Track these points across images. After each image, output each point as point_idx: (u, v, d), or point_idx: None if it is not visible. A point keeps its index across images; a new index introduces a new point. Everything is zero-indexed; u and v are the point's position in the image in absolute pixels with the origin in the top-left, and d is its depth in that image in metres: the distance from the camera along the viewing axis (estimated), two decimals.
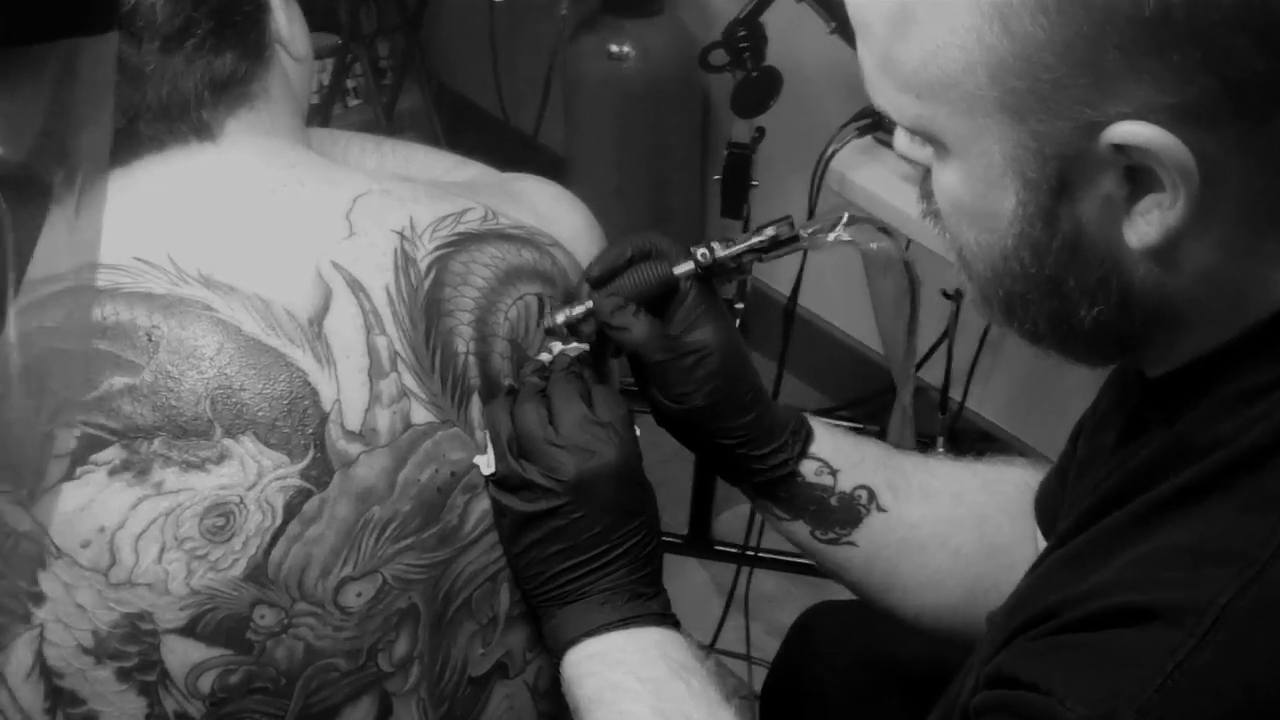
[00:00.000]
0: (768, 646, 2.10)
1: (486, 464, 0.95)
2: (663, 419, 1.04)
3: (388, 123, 2.98)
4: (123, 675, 0.90)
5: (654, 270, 1.02)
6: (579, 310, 1.01)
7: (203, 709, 0.91)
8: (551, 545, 0.94)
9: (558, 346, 1.01)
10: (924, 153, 0.77)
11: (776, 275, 2.60)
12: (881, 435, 2.01)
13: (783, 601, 2.28)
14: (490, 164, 1.23)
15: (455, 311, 0.97)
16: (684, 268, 1.03)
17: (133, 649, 0.90)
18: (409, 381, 0.94)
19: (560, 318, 1.01)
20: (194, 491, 0.89)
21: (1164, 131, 0.66)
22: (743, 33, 2.01)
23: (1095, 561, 0.73)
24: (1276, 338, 0.72)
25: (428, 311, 0.96)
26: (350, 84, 3.09)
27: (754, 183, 2.19)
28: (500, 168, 1.22)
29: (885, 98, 0.75)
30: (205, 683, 0.91)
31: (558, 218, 1.09)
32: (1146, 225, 0.69)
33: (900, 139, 0.79)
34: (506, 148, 2.97)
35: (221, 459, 0.90)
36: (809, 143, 1.99)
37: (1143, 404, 0.82)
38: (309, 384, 0.92)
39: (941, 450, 2.05)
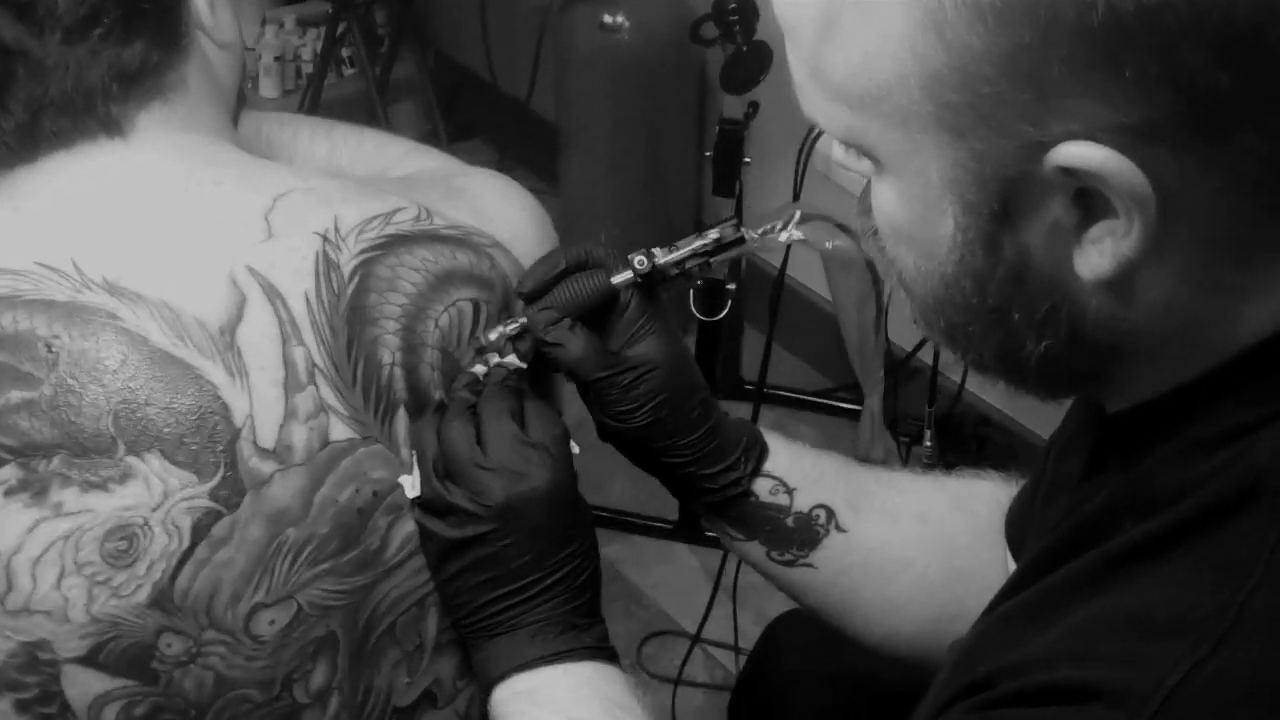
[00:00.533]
0: (755, 636, 2.05)
1: (411, 485, 0.90)
2: (607, 436, 0.99)
3: (382, 93, 2.91)
4: (21, 708, 0.85)
5: (590, 281, 0.96)
6: (512, 326, 0.95)
7: None
8: (479, 574, 0.88)
9: (494, 359, 0.95)
10: (862, 165, 0.71)
11: (774, 252, 2.53)
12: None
13: (772, 591, 2.21)
14: (485, 132, 1.16)
15: (380, 320, 0.91)
16: (622, 277, 0.96)
17: (31, 679, 0.85)
18: (327, 395, 0.89)
19: (493, 335, 0.95)
20: (95, 513, 0.84)
21: (1115, 153, 0.59)
22: (733, 5, 1.95)
23: (1040, 623, 0.67)
24: (1242, 379, 0.65)
25: (350, 320, 0.90)
26: (345, 53, 3.03)
27: (746, 159, 2.12)
28: (494, 136, 1.15)
29: (815, 107, 0.69)
30: (109, 715, 0.86)
31: (500, 216, 1.03)
32: (1098, 255, 0.63)
33: (837, 149, 0.73)
34: (500, 116, 2.91)
35: (125, 478, 0.84)
36: (804, 120, 1.92)
37: (1103, 438, 0.76)
38: (219, 398, 0.86)
39: (929, 443, 1.98)
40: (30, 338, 0.84)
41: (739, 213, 2.18)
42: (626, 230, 2.48)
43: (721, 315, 2.13)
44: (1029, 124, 0.60)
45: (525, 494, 0.87)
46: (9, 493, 0.83)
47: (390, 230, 0.94)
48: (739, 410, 2.55)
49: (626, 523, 2.33)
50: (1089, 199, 0.62)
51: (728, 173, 2.12)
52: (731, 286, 2.18)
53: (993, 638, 0.73)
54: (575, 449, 0.93)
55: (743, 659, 2.14)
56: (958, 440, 2.21)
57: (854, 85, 0.65)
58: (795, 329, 2.39)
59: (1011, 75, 0.60)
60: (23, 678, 0.84)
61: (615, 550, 2.31)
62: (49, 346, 0.84)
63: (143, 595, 0.85)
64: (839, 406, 2.54)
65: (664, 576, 2.34)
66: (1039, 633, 0.66)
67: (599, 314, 0.96)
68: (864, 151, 0.68)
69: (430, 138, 2.81)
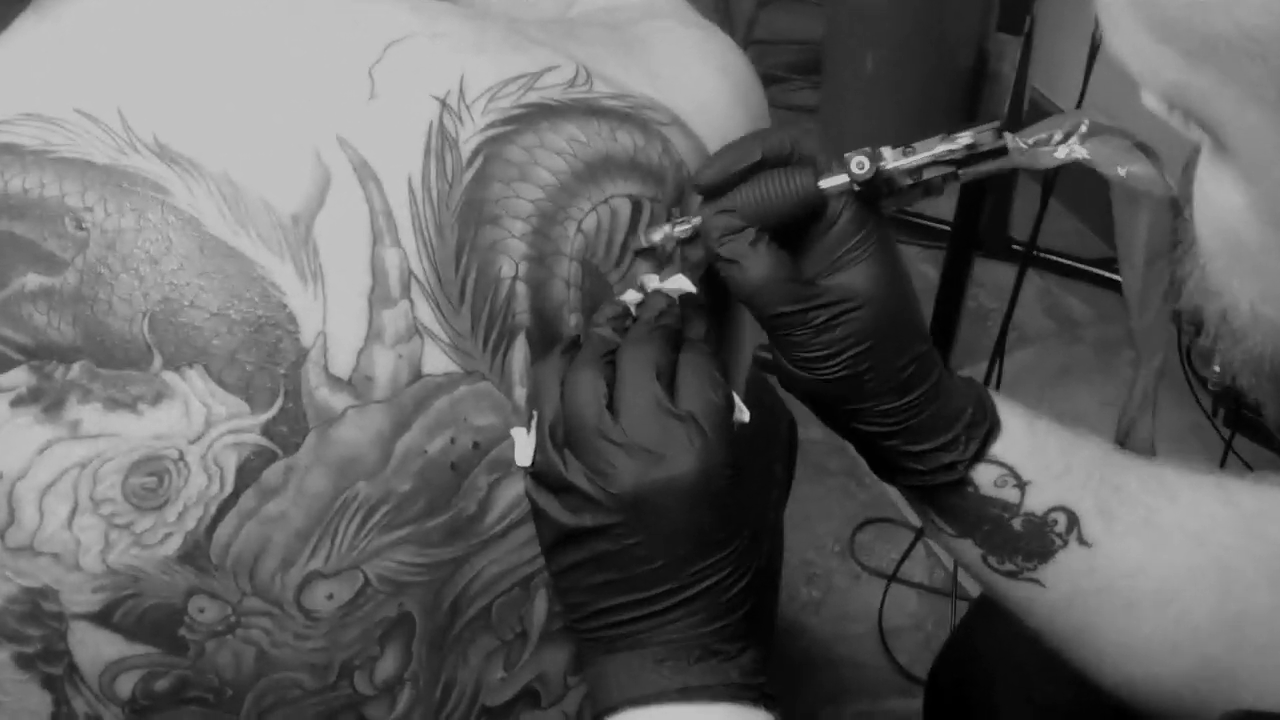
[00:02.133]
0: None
1: (523, 448, 0.69)
2: (790, 386, 0.76)
3: None
4: (23, 662, 0.68)
5: (791, 182, 0.72)
6: (683, 227, 0.73)
7: (122, 716, 0.70)
8: (598, 573, 0.67)
9: (653, 282, 0.73)
10: (1191, 133, 0.46)
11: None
12: None
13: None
14: None
15: (504, 218, 0.70)
16: (834, 181, 0.72)
17: (35, 632, 0.68)
18: (425, 314, 0.68)
19: (656, 235, 0.73)
20: (119, 438, 0.66)
21: None
22: None
23: None
24: None
25: (464, 217, 0.69)
26: None
27: None
28: None
29: (1131, 46, 0.44)
30: (124, 685, 0.69)
31: (686, 80, 0.80)
32: None
33: (1151, 100, 0.47)
34: None
35: (159, 398, 0.66)
36: None
37: None
38: (285, 306, 0.67)
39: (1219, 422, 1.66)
40: (58, 207, 0.66)
41: (1024, 56, 1.87)
42: (894, 69, 2.20)
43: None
44: None
45: (661, 483, 0.65)
46: (17, 402, 0.65)
47: (533, 97, 0.72)
48: (1001, 274, 2.27)
49: None
50: None
51: (1018, 3, 1.82)
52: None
53: None
54: (744, 416, 0.70)
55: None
56: (1256, 424, 1.88)
57: (1202, 23, 0.40)
58: (1077, 185, 2.07)
59: None
60: (24, 629, 0.68)
61: None
62: (79, 222, 0.66)
63: (171, 547, 0.67)
64: (1120, 280, 2.21)
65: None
66: None
67: (798, 226, 0.74)
68: (1201, 122, 0.44)
69: None
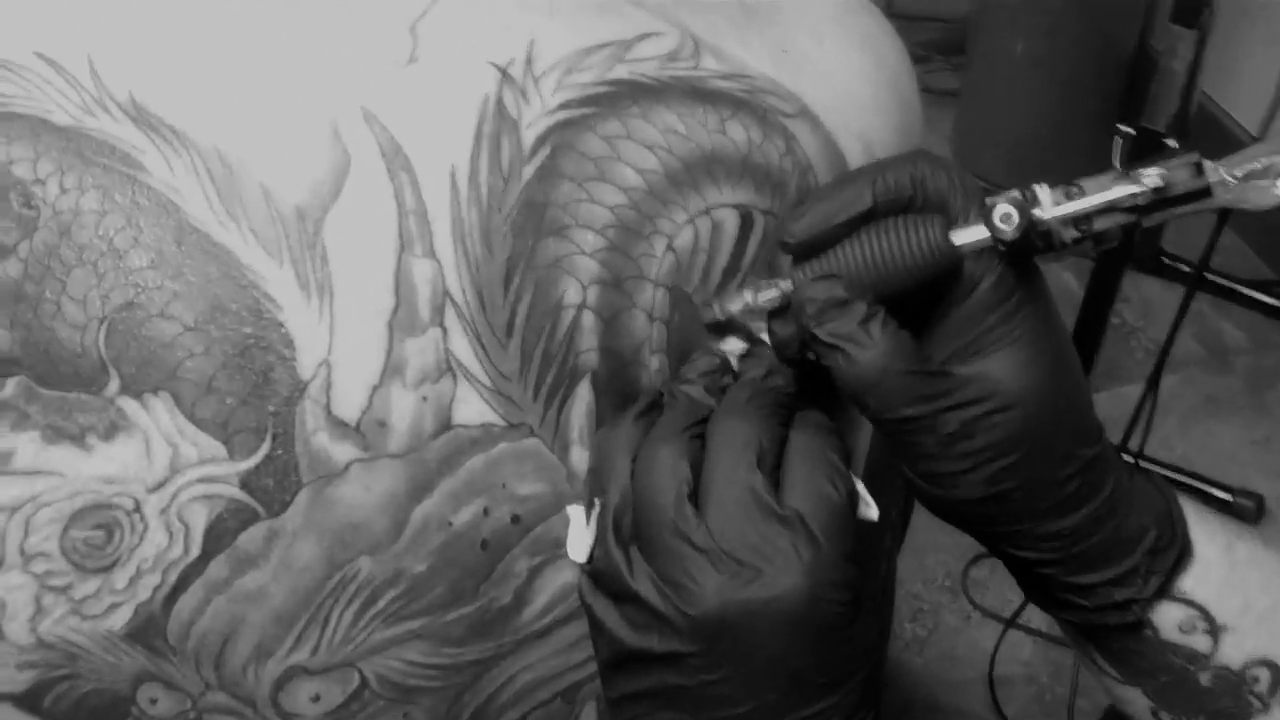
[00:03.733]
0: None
1: (580, 538, 0.53)
2: (921, 498, 0.59)
3: None
4: None
5: (915, 236, 0.53)
6: (769, 295, 0.55)
7: None
8: (665, 710, 0.51)
9: (761, 328, 0.56)
10: None
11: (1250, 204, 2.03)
12: None
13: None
14: None
15: (573, 228, 0.54)
16: (974, 234, 0.53)
17: None
18: (460, 347, 0.53)
19: (734, 304, 0.56)
20: (60, 479, 0.51)
21: None
22: None
23: None
24: None
25: (521, 222, 0.53)
26: None
27: None
28: None
29: None
30: None
31: (822, 61, 0.63)
32: None
33: None
34: None
35: (113, 431, 0.51)
36: None
37: None
38: (280, 325, 0.51)
39: None
40: (3, 178, 0.51)
41: (1198, 54, 1.65)
42: (1046, 55, 1.99)
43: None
44: None
45: (754, 606, 0.48)
46: None
47: (621, 72, 0.56)
48: (1146, 287, 2.03)
49: None
50: None
51: None
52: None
53: None
54: (870, 513, 0.54)
55: None
56: None
57: None
58: None
59: None
60: None
61: None
62: (27, 198, 0.51)
63: (119, 620, 0.52)
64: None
65: None
66: None
67: (923, 296, 0.55)
68: None
69: None
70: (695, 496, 0.50)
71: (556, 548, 0.55)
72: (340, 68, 0.53)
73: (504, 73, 0.54)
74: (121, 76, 0.52)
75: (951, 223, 0.53)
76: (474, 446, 0.53)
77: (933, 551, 1.79)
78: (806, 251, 0.54)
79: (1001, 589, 1.75)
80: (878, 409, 0.53)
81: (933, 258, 0.53)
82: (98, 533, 0.51)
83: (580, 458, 0.55)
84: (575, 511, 0.53)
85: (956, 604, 1.75)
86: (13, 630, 0.52)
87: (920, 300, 0.54)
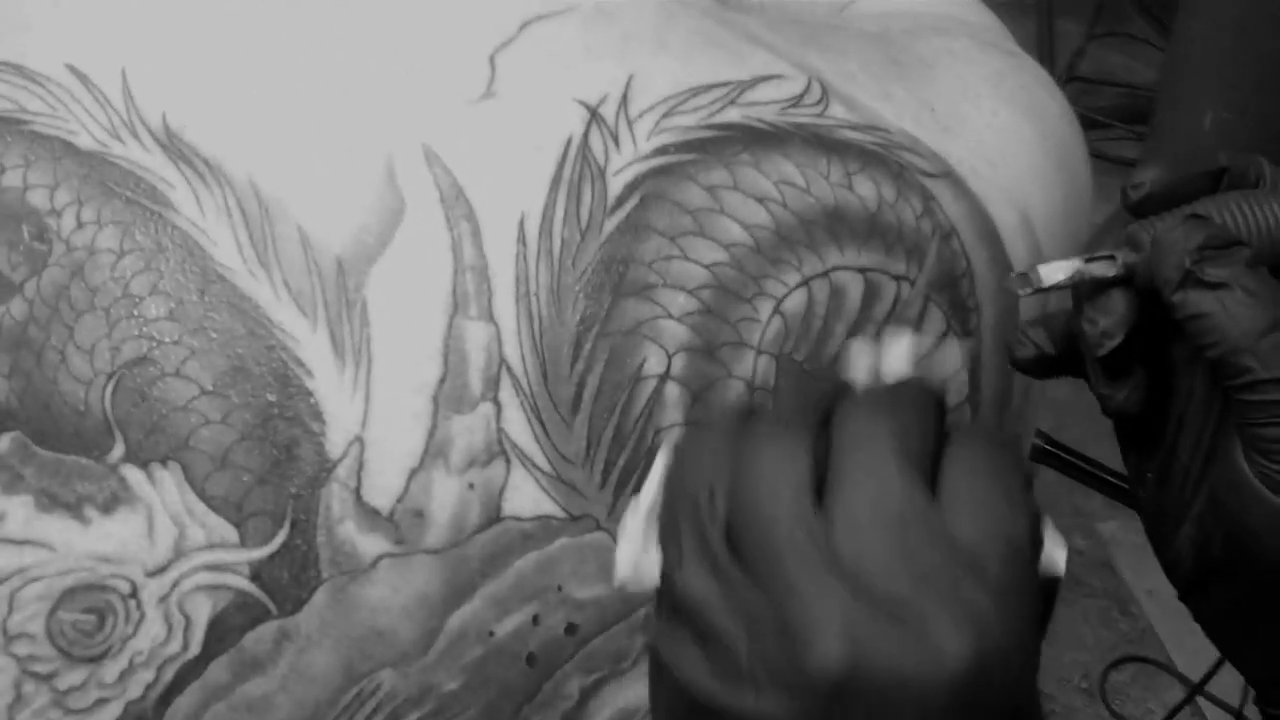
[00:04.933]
0: None
1: (635, 553, 0.41)
2: (1258, 512, 0.44)
3: None
4: None
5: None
6: (1107, 262, 0.45)
7: None
8: None
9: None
10: None
11: None
12: None
13: None
14: None
15: (660, 288, 0.46)
16: None
17: None
18: (516, 425, 0.45)
19: (1060, 272, 0.45)
20: (52, 552, 0.44)
21: None
22: None
23: None
24: None
25: (598, 280, 0.46)
26: None
27: None
28: None
29: None
30: None
31: (976, 122, 0.55)
32: None
33: None
34: None
35: (113, 504, 0.44)
36: None
37: None
38: (309, 395, 0.44)
39: None
40: (15, 206, 0.45)
41: None
42: (1235, 133, 1.87)
43: None
44: None
45: (899, 669, 0.36)
46: None
47: (732, 115, 0.49)
48: None
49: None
50: None
51: None
52: None
53: None
54: (1059, 562, 0.41)
55: None
56: None
57: None
58: None
59: None
60: None
61: (1113, 529, 1.76)
62: (40, 231, 0.45)
63: (106, 718, 0.45)
64: None
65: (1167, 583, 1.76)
66: None
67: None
68: None
69: None
70: (822, 497, 0.38)
71: (618, 661, 0.47)
72: (403, 99, 0.46)
73: (593, 112, 0.47)
74: (156, 96, 0.46)
75: None
76: (526, 542, 0.45)
77: (1071, 648, 1.66)
78: (1148, 207, 0.45)
79: (1144, 698, 1.61)
80: (1259, 370, 0.41)
81: None
82: (88, 617, 0.45)
83: (650, 497, 0.46)
84: (632, 519, 0.41)
85: (1092, 709, 1.62)
86: None
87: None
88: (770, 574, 0.37)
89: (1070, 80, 2.44)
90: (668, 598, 0.40)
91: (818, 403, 0.41)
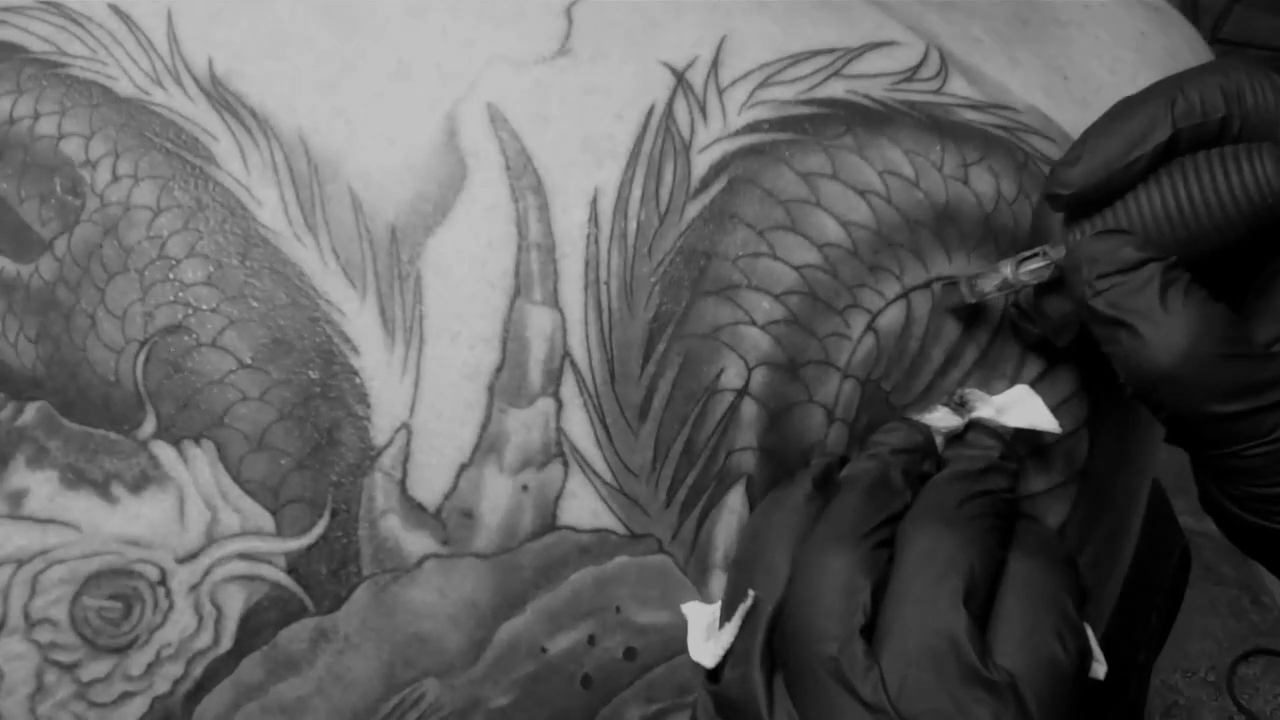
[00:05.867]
0: None
1: (706, 639, 0.41)
2: (1232, 533, 0.44)
3: None
4: None
5: (1235, 174, 0.39)
6: (1035, 266, 0.42)
7: None
8: None
9: (977, 399, 0.43)
10: None
11: None
12: None
13: None
14: None
15: (744, 289, 0.41)
16: None
17: None
18: (578, 426, 0.41)
19: (989, 282, 0.42)
20: (77, 533, 0.41)
21: None
22: None
23: None
24: None
25: (675, 273, 0.41)
26: None
27: None
28: None
29: None
30: None
31: (1116, 94, 0.49)
32: None
33: None
34: None
35: (143, 483, 0.41)
36: None
37: None
38: (354, 374, 0.40)
39: None
40: (48, 155, 0.42)
41: None
42: None
43: None
44: None
45: None
46: None
47: (836, 90, 0.43)
48: None
49: None
50: None
51: None
52: None
53: None
54: (1100, 672, 0.40)
55: None
56: None
57: None
58: None
59: None
60: None
61: None
62: (74, 183, 0.41)
63: (131, 714, 0.42)
64: None
65: None
66: None
67: (1245, 257, 0.42)
68: None
69: None
70: (872, 627, 0.37)
71: (682, 694, 0.42)
72: (468, 52, 0.41)
73: (680, 77, 0.42)
74: (202, 40, 0.42)
75: None
76: (583, 556, 0.41)
77: (1199, 638, 1.59)
78: (1084, 206, 0.41)
79: (1273, 692, 1.54)
80: (1176, 406, 0.39)
81: (1264, 203, 0.39)
82: (114, 604, 0.41)
83: (723, 586, 0.42)
84: (695, 609, 0.41)
85: (1219, 703, 1.55)
86: (8, 707, 0.42)
87: (1237, 264, 0.41)
88: (813, 694, 0.38)
89: (1214, 43, 2.31)
90: (720, 691, 0.40)
91: (885, 511, 0.40)
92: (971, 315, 0.44)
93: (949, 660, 0.37)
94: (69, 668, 0.42)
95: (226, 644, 0.41)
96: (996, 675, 0.36)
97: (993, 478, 0.41)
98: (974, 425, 0.43)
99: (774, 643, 0.39)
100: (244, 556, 0.41)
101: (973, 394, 0.43)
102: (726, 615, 0.40)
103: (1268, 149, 0.39)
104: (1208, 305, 0.39)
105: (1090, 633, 0.40)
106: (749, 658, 0.39)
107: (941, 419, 0.43)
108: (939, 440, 0.43)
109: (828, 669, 0.37)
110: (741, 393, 0.41)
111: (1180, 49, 0.53)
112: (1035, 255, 0.42)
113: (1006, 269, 0.42)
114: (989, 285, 0.42)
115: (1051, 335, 0.44)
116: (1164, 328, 0.39)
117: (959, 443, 0.43)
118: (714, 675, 0.40)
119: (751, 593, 0.39)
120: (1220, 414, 0.39)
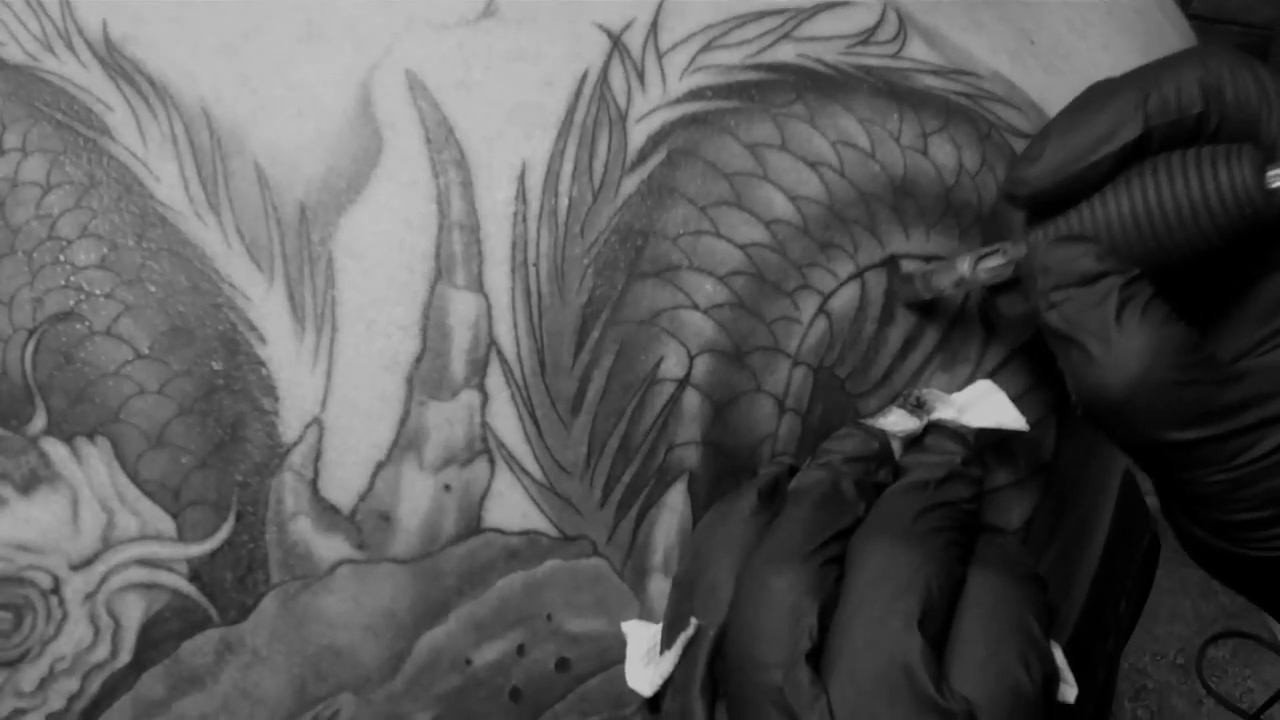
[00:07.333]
0: None
1: (644, 666, 0.38)
2: (1197, 555, 0.42)
3: None
4: None
5: (1208, 178, 0.36)
6: (993, 264, 0.39)
7: None
8: None
9: (935, 399, 0.40)
10: None
11: None
12: None
13: None
14: None
15: (684, 270, 0.38)
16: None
17: None
18: (505, 420, 0.38)
19: (945, 279, 0.40)
20: None
21: None
22: None
23: None
24: None
25: (610, 253, 0.38)
26: None
27: None
28: None
29: None
30: None
31: (1084, 61, 0.47)
32: None
33: None
34: None
35: (33, 483, 0.38)
36: None
37: None
38: (260, 365, 0.37)
39: None
40: None
41: None
42: None
43: None
44: None
45: None
46: None
47: (785, 53, 0.40)
48: None
49: None
50: None
51: None
52: None
53: None
54: (1069, 695, 0.38)
55: None
56: None
57: None
58: None
59: None
60: None
61: None
62: None
63: None
64: None
65: None
66: None
67: (1213, 268, 0.39)
68: None
69: None
70: (819, 652, 0.35)
71: (618, 707, 0.40)
72: (385, 13, 0.38)
73: (616, 40, 0.39)
74: (96, 1, 0.38)
75: (1270, 155, 0.36)
76: (511, 560, 0.38)
77: (1167, 621, 1.57)
78: (1046, 205, 0.38)
79: (1242, 675, 1.52)
80: (1129, 434, 0.37)
81: (1241, 211, 0.36)
82: (3, 614, 0.38)
83: (662, 591, 0.39)
84: (636, 629, 0.38)
85: (1188, 686, 1.53)
86: None
87: (1209, 273, 0.38)
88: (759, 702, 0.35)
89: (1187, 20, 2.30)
90: (652, 717, 0.39)
91: (835, 525, 0.37)
92: (929, 304, 0.41)
93: (902, 688, 0.34)
94: None
95: (125, 657, 0.38)
96: (953, 704, 0.34)
97: (953, 487, 0.39)
98: (933, 428, 0.40)
99: (716, 670, 0.36)
100: (143, 563, 0.38)
101: (931, 394, 0.40)
102: (668, 640, 0.37)
103: (1247, 152, 0.36)
104: (1166, 326, 0.36)
105: (1058, 653, 0.38)
106: (689, 688, 0.36)
107: (898, 422, 0.40)
108: (896, 446, 0.40)
109: (772, 699, 0.34)
110: (683, 383, 0.38)
111: (1151, 10, 0.51)
112: (995, 252, 0.39)
113: (964, 265, 0.39)
114: (945, 282, 0.39)
115: (1009, 332, 0.41)
116: (1116, 349, 0.36)
117: (918, 448, 0.40)
118: (654, 704, 0.38)
119: (694, 621, 0.37)
120: (1176, 441, 0.37)
